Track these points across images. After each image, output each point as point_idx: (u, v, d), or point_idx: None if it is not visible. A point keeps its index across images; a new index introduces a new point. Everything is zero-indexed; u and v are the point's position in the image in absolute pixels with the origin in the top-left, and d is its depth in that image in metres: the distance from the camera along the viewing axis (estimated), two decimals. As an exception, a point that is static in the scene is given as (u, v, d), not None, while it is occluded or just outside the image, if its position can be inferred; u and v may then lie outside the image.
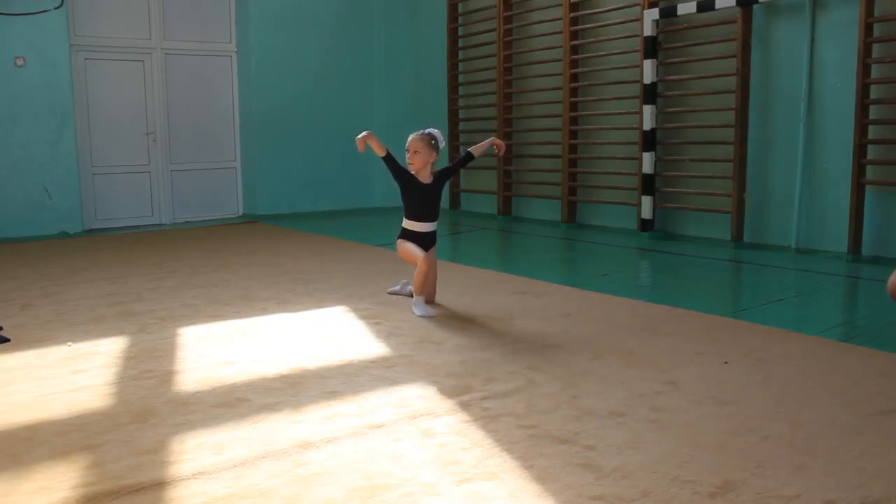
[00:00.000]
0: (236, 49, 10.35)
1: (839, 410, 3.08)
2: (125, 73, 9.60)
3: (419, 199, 4.93)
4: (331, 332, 4.34)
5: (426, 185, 4.93)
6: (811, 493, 2.37)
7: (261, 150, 10.35)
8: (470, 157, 5.14)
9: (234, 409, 3.11)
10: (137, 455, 2.67)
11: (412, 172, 4.91)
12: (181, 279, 5.94)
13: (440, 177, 4.99)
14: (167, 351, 3.99)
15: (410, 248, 4.91)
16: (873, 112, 6.51)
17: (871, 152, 6.53)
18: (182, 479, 2.48)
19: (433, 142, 4.93)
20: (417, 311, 4.73)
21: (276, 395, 3.28)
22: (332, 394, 3.29)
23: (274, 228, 9.09)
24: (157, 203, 9.94)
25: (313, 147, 10.70)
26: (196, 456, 2.66)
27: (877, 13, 6.38)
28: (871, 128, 6.50)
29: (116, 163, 9.61)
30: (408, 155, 4.93)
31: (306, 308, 4.95)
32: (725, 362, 3.70)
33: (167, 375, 3.58)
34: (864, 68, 6.37)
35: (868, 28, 6.37)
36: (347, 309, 4.90)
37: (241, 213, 10.56)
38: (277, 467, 2.56)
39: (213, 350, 3.99)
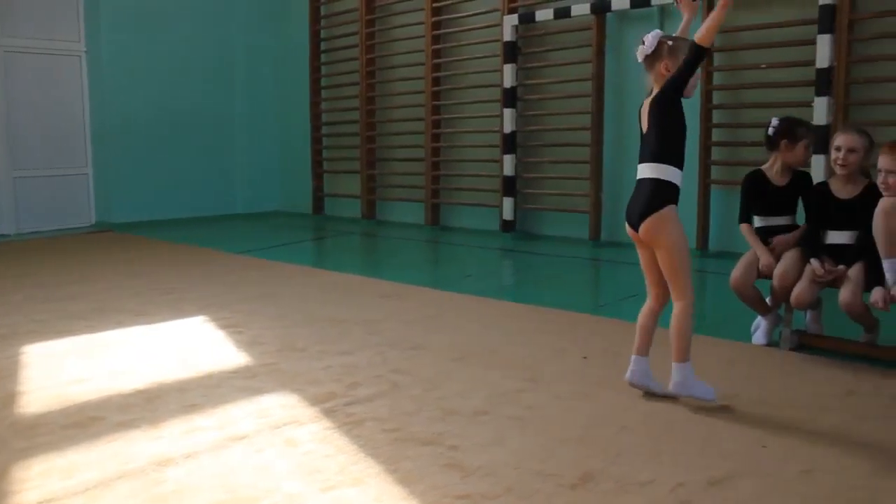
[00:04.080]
0: (85, 49, 9.85)
1: (691, 398, 3.24)
2: (-40, 74, 8.98)
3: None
4: (190, 343, 4.20)
5: None
6: (664, 478, 2.48)
7: (115, 156, 9.89)
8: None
9: (87, 429, 2.95)
10: (-24, 483, 2.49)
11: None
12: (27, 293, 5.59)
13: None
14: (10, 371, 3.74)
15: (688, 251, 3.13)
16: (716, 116, 6.91)
17: (716, 153, 6.93)
18: (27, 507, 2.34)
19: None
20: (700, 393, 3.10)
21: (133, 412, 3.14)
22: (192, 407, 3.19)
23: (130, 237, 8.71)
24: (-1, 212, 9.32)
25: (171, 152, 10.32)
26: (43, 482, 2.50)
27: (716, 22, 6.77)
28: (714, 131, 6.90)
29: (-48, 170, 8.97)
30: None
31: (165, 319, 4.76)
32: (584, 357, 3.82)
33: (10, 397, 3.35)
34: (707, 76, 6.75)
35: (709, 36, 6.75)
36: (207, 318, 4.75)
37: (93, 221, 10.05)
38: (134, 487, 2.45)
39: (63, 367, 3.78)
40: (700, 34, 2.95)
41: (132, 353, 4.04)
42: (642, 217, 3.09)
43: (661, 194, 3.07)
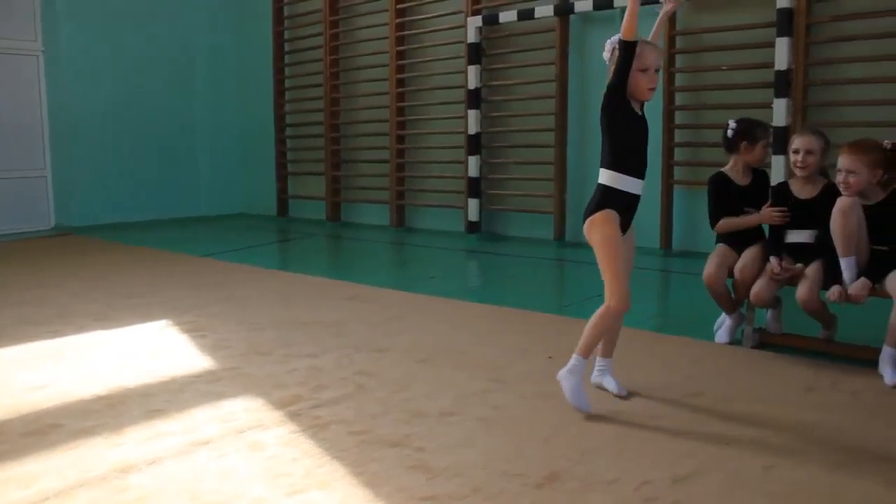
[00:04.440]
0: (42, 48, 9.68)
1: (655, 395, 3.28)
2: None
3: (641, 137, 3.14)
4: (153, 348, 4.14)
5: (641, 116, 3.15)
6: (629, 476, 2.50)
7: (75, 158, 9.73)
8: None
9: (46, 437, 2.90)
10: (-70, 496, 2.44)
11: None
12: (-15, 299, 5.49)
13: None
14: (-32, 377, 3.67)
15: (618, 252, 3.07)
16: (678, 118, 6.99)
17: (678, 154, 7.01)
18: (-16, 517, 2.29)
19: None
20: (573, 393, 3.07)
21: (94, 418, 3.09)
22: (155, 412, 3.14)
23: (92, 241, 8.58)
24: (-47, 216, 9.11)
25: (132, 153, 10.19)
26: (0, 492, 2.45)
27: (678, 27, 6.88)
28: (676, 132, 6.98)
29: None
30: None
31: (127, 324, 4.69)
32: (550, 357, 3.84)
33: (-33, 404, 3.29)
34: (669, 77, 6.83)
35: (671, 40, 6.86)
36: (171, 322, 4.69)
37: (52, 224, 9.88)
38: (96, 495, 2.41)
39: (22, 374, 3.70)
40: (621, 28, 2.95)
41: (93, 358, 3.97)
42: (584, 220, 3.15)
43: (601, 199, 3.09)
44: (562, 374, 3.11)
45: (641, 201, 3.18)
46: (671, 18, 6.76)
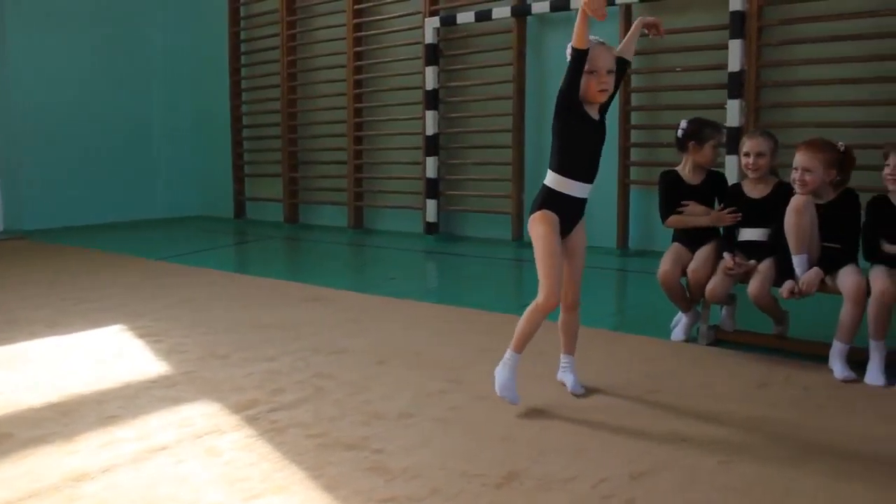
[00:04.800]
0: (-10, 49, 9.50)
1: (612, 393, 3.31)
2: None
3: (594, 141, 3.19)
4: (107, 353, 4.07)
5: (597, 122, 3.17)
6: (587, 474, 2.52)
7: (26, 159, 9.54)
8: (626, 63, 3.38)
9: (-4, 446, 2.84)
10: None
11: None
12: (-69, 305, 5.35)
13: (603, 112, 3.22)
14: (-87, 386, 3.57)
15: (551, 251, 3.07)
16: (634, 118, 7.07)
17: (634, 154, 7.08)
18: (-70, 530, 2.23)
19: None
20: (503, 386, 3.13)
21: (46, 427, 3.02)
22: (110, 419, 3.09)
23: (43, 245, 8.41)
24: None
25: (86, 155, 10.02)
26: (-54, 503, 2.40)
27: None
28: (633, 132, 7.05)
29: None
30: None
31: (80, 329, 4.61)
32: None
33: (-87, 413, 3.20)
34: (626, 78, 6.89)
35: (626, 40, 6.91)
36: (125, 327, 4.62)
37: (1, 228, 9.66)
38: (47, 504, 2.37)
39: (-30, 381, 3.63)
40: (573, 36, 3.03)
41: (45, 365, 3.89)
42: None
43: (543, 200, 3.15)
44: (497, 368, 3.17)
45: (598, 201, 3.23)
46: (625, 20, 6.84)
